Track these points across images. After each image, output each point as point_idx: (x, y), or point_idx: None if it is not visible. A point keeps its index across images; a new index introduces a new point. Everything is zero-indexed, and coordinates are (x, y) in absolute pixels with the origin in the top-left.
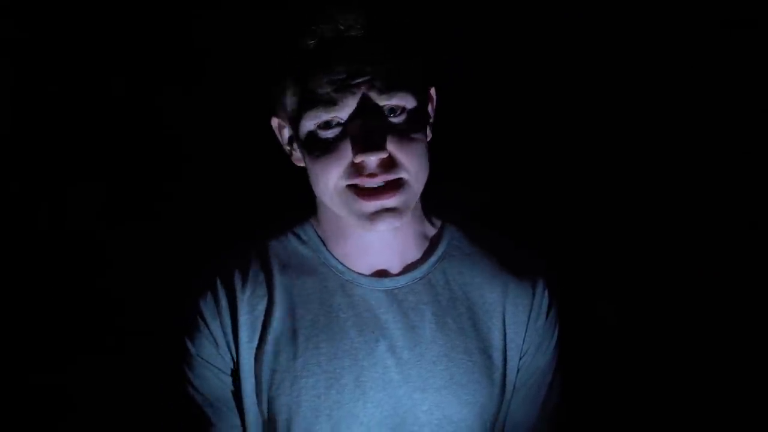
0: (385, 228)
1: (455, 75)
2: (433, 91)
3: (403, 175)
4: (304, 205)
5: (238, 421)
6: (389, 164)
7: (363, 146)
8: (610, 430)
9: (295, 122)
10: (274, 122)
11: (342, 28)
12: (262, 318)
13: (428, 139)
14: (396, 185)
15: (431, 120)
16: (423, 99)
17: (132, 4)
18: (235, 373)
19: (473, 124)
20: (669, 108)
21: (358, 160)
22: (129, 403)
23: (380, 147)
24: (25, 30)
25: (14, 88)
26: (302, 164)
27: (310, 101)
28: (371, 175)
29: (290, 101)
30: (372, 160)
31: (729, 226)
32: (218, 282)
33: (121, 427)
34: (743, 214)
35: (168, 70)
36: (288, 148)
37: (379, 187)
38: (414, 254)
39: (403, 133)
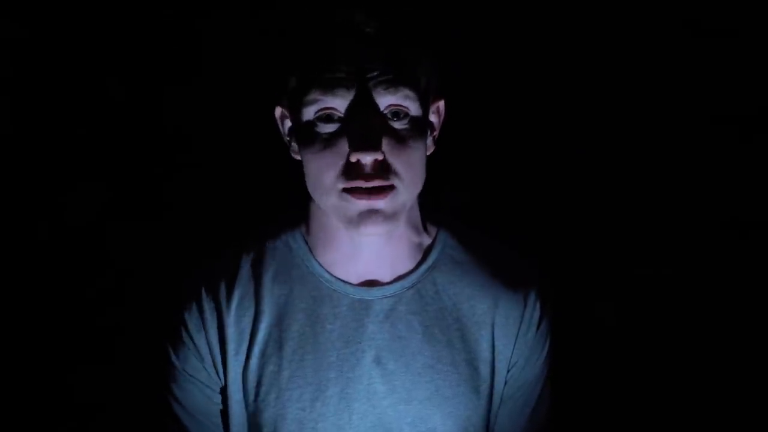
0: (372, 231)
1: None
2: (442, 103)
3: (394, 182)
4: (301, 207)
5: None
6: (383, 168)
7: (359, 144)
8: (610, 431)
9: (296, 110)
10: (277, 111)
11: (357, 22)
12: (248, 329)
13: (430, 152)
14: (386, 190)
15: (436, 133)
16: (426, 108)
17: (131, 3)
18: (223, 386)
19: (473, 124)
20: (666, 106)
21: (353, 158)
22: (129, 404)
23: (376, 147)
24: (25, 30)
25: (14, 88)
26: (299, 157)
27: (313, 85)
28: (367, 178)
29: (295, 86)
30: (367, 159)
31: (728, 226)
32: (204, 293)
33: (120, 427)
34: (743, 213)
35: (167, 68)
36: (288, 139)
37: (370, 188)
38: (405, 263)
39: (401, 139)
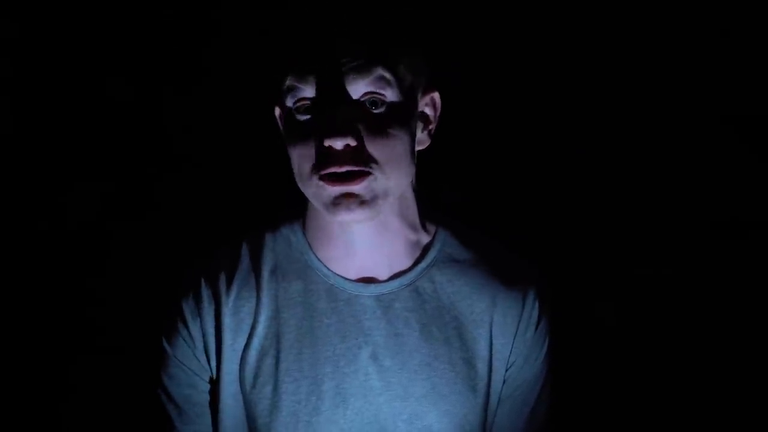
0: (348, 216)
1: (450, 76)
2: (436, 95)
3: (371, 168)
4: (299, 204)
5: (203, 428)
6: (358, 155)
7: (327, 130)
8: (610, 431)
9: (281, 104)
10: (276, 111)
11: (330, 13)
12: (247, 320)
13: (425, 146)
14: (362, 175)
15: (432, 126)
16: (411, 97)
17: (131, 3)
18: (214, 377)
19: (472, 123)
20: (666, 105)
21: (325, 143)
22: (130, 403)
23: (343, 132)
24: (25, 30)
25: (14, 88)
26: None
27: (288, 73)
28: (340, 164)
29: (278, 82)
30: (338, 144)
31: (728, 226)
32: (203, 282)
33: (122, 427)
34: (742, 214)
35: (167, 68)
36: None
37: (345, 173)
38: (403, 261)
39: (379, 126)
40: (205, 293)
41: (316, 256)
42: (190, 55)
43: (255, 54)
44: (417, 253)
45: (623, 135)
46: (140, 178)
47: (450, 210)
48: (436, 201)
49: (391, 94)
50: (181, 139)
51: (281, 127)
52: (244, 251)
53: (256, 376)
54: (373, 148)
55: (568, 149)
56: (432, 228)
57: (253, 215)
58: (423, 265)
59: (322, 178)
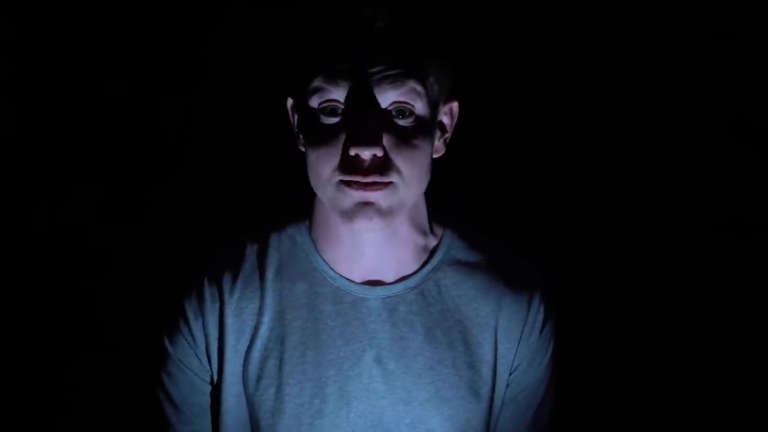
0: (365, 225)
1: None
2: (455, 105)
3: (394, 179)
4: (306, 202)
5: (202, 428)
6: (383, 165)
7: (357, 138)
8: (610, 431)
9: (303, 99)
10: (289, 102)
11: (366, 16)
12: (251, 321)
13: (440, 154)
14: (384, 185)
15: (448, 135)
16: (435, 108)
17: (130, 3)
18: (216, 379)
19: (473, 123)
20: (665, 107)
21: (352, 152)
22: (129, 403)
23: (375, 142)
24: (25, 30)
25: (14, 88)
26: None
27: (318, 74)
28: (365, 173)
29: (302, 75)
30: (366, 154)
31: (728, 226)
32: (206, 281)
33: (121, 427)
34: (742, 213)
35: (167, 68)
36: (297, 131)
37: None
38: (410, 265)
39: (405, 137)
40: (208, 293)
41: (322, 258)
42: (190, 55)
43: (258, 52)
44: (424, 257)
45: (623, 135)
46: (140, 178)
47: (451, 210)
48: (437, 201)
49: (419, 106)
50: (181, 139)
51: (293, 119)
52: (249, 251)
53: (259, 378)
54: (398, 159)
55: (568, 150)
56: (439, 230)
57: (253, 215)
58: (428, 268)
59: (344, 183)
